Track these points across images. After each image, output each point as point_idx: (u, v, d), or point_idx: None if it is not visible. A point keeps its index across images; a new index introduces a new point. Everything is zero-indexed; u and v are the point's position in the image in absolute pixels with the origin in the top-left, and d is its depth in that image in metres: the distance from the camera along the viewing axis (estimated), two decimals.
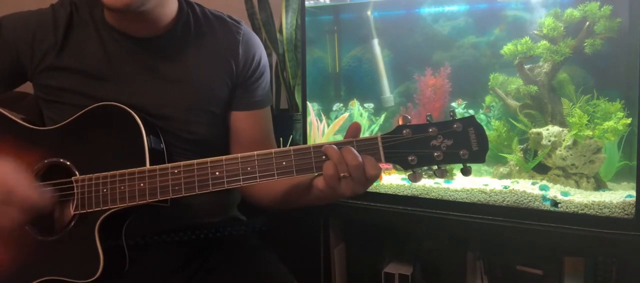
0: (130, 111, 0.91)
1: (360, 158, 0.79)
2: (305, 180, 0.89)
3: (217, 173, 0.84)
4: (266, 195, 1.05)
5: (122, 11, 0.91)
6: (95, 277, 0.87)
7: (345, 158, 0.79)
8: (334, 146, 0.80)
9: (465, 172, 0.81)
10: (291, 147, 0.82)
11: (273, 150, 0.83)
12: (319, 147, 0.82)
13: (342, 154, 0.79)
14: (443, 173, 0.81)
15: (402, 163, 0.81)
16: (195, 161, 0.85)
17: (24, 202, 0.82)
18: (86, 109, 0.93)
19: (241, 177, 0.83)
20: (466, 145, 0.80)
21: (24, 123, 0.96)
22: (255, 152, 0.83)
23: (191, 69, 1.02)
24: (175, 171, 0.85)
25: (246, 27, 1.10)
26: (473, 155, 0.80)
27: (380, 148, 0.81)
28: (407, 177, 0.84)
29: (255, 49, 1.08)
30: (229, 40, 1.05)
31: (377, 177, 0.81)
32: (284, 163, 0.82)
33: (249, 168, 0.83)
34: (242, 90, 1.06)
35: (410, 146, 0.80)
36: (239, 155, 0.83)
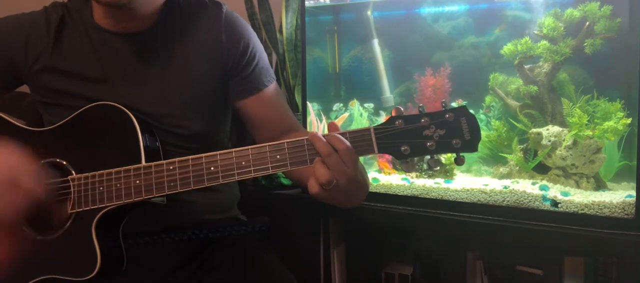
0: (126, 110, 0.91)
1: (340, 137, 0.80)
2: None
3: (212, 168, 0.84)
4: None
5: (114, 6, 0.92)
6: (92, 275, 0.87)
7: (329, 140, 0.80)
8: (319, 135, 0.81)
9: (459, 161, 0.82)
10: (285, 141, 0.83)
11: (267, 144, 0.83)
12: None
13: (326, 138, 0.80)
14: (436, 163, 0.82)
15: (395, 154, 0.82)
16: (190, 157, 0.86)
17: (28, 190, 0.83)
18: (82, 109, 0.94)
19: (236, 172, 0.84)
20: (458, 134, 0.80)
21: (19, 124, 0.96)
22: (250, 147, 0.84)
23: (179, 62, 1.01)
24: (171, 167, 0.86)
25: (228, 9, 1.06)
26: (466, 145, 0.81)
27: (373, 139, 0.81)
28: (401, 167, 0.84)
29: (240, 32, 1.05)
30: (211, 26, 1.03)
31: (348, 149, 0.80)
32: (278, 156, 0.83)
33: (243, 163, 0.83)
34: (237, 78, 1.05)
35: (403, 136, 0.81)
36: (234, 150, 0.84)
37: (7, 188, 0.80)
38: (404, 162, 0.83)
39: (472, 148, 0.81)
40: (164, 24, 1.01)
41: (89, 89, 0.99)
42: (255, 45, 1.07)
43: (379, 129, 0.82)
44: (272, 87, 1.09)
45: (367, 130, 0.82)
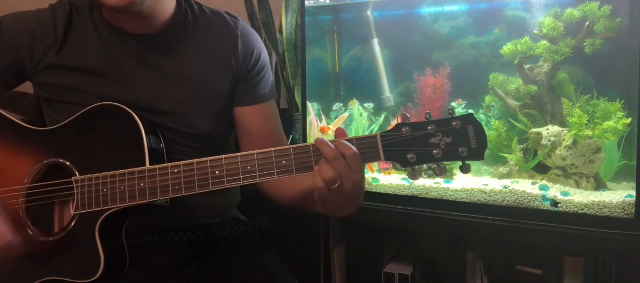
0: (130, 111, 0.91)
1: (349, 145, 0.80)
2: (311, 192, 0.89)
3: (217, 172, 0.84)
4: (283, 196, 1.06)
5: (122, 11, 0.92)
6: (96, 277, 0.87)
7: (337, 146, 0.80)
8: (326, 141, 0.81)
9: (465, 169, 0.81)
10: (291, 146, 0.83)
11: (273, 149, 0.83)
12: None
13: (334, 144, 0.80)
14: (442, 171, 0.82)
15: (401, 161, 0.81)
16: (195, 160, 0.85)
17: None
18: (86, 109, 0.93)
19: (241, 177, 0.83)
20: (465, 142, 0.80)
21: (23, 124, 0.96)
22: (255, 152, 0.83)
23: (191, 64, 1.02)
24: (176, 171, 0.85)
25: (244, 23, 1.11)
26: (472, 153, 0.80)
27: (380, 146, 0.81)
28: (406, 175, 0.84)
29: (254, 43, 1.09)
30: (228, 35, 1.06)
31: (355, 155, 0.80)
32: (283, 162, 0.82)
33: (249, 168, 0.83)
34: (244, 86, 1.07)
35: (410, 144, 0.81)
36: (239, 154, 0.84)
37: None
38: (410, 170, 0.82)
39: (479, 156, 0.80)
40: (177, 29, 1.02)
41: (95, 84, 0.98)
42: (266, 59, 1.12)
43: (385, 136, 0.81)
44: (272, 103, 1.12)
45: (374, 137, 0.81)
